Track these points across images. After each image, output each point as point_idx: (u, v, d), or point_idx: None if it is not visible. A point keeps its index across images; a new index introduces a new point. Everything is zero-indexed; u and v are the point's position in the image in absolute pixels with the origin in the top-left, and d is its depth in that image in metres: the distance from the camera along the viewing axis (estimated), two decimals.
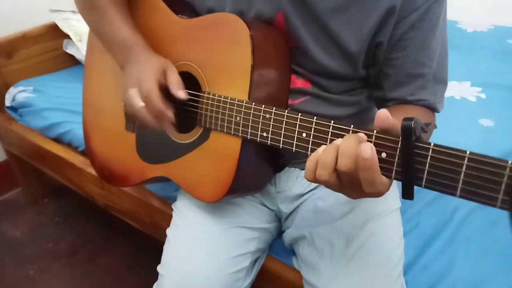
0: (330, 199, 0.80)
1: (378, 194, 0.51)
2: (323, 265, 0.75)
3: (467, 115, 1.28)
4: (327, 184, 0.52)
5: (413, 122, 0.45)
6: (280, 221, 0.90)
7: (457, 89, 1.42)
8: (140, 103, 0.69)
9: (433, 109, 0.75)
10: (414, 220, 0.93)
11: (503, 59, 1.60)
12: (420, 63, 0.70)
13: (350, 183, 0.51)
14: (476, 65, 1.57)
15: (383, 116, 0.49)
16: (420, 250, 0.86)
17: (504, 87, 1.42)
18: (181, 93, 0.70)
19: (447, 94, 1.38)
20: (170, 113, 0.70)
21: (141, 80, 0.70)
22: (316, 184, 0.81)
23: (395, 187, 0.84)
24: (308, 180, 0.53)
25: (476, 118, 1.27)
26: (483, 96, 1.39)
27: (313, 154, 0.52)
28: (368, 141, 0.50)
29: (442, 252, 0.85)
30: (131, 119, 0.86)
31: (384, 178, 0.50)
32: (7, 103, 1.55)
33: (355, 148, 0.48)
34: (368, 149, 0.47)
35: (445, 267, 0.82)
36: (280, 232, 0.91)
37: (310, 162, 0.52)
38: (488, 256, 0.84)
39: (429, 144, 0.46)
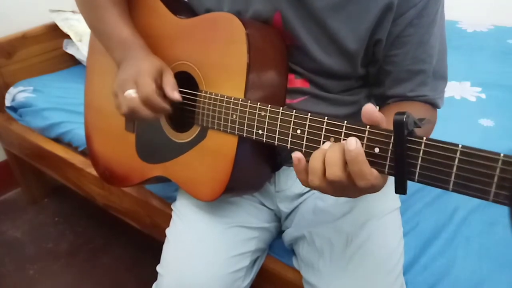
0: (330, 198, 0.79)
1: (373, 188, 0.50)
2: (323, 265, 0.75)
3: (467, 115, 1.28)
4: (320, 189, 0.53)
5: (405, 117, 0.46)
6: (280, 221, 0.90)
7: (457, 89, 1.42)
8: (134, 93, 0.69)
9: (433, 105, 0.75)
10: (414, 220, 0.93)
11: (503, 59, 1.60)
12: (419, 59, 0.70)
13: (341, 188, 0.51)
14: (476, 65, 1.57)
15: (369, 110, 0.49)
16: (420, 250, 0.86)
17: (504, 87, 1.42)
18: (176, 95, 0.70)
19: (447, 94, 1.38)
20: (167, 106, 0.70)
21: (139, 74, 0.70)
22: None
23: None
24: (302, 184, 0.55)
25: (476, 118, 1.27)
26: (483, 96, 1.39)
27: (296, 167, 0.54)
28: (361, 136, 0.51)
29: (442, 252, 0.85)
30: (130, 119, 0.86)
31: (374, 170, 0.50)
32: (7, 103, 1.55)
33: (340, 155, 0.49)
34: (353, 142, 0.48)
35: (445, 267, 0.82)
36: (280, 232, 0.91)
37: (298, 173, 0.54)
38: (488, 256, 0.84)
39: (421, 138, 0.46)
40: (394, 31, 0.68)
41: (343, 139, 0.53)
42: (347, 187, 0.51)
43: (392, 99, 0.75)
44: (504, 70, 1.53)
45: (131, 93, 0.69)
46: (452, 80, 1.44)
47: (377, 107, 0.82)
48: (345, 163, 0.49)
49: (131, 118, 0.75)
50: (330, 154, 0.50)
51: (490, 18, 1.89)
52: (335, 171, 0.49)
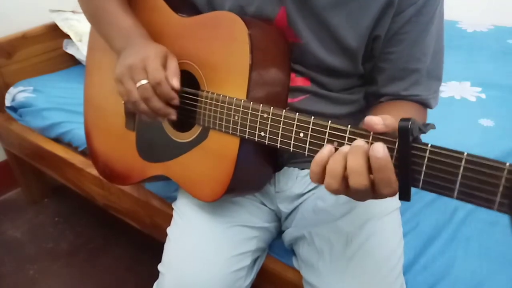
0: (330, 199, 0.80)
1: (394, 193, 0.48)
2: (323, 265, 0.75)
3: (467, 115, 1.28)
4: (337, 192, 0.50)
5: (410, 123, 0.45)
6: (280, 221, 0.90)
7: (457, 89, 1.42)
8: (145, 82, 0.68)
9: (425, 105, 0.75)
10: (414, 220, 0.93)
11: (503, 59, 1.60)
12: (414, 58, 0.70)
13: (363, 195, 0.50)
14: (476, 65, 1.57)
15: (370, 123, 0.48)
16: (420, 250, 0.86)
17: (504, 87, 1.42)
18: (175, 81, 0.69)
19: (447, 94, 1.38)
20: (175, 95, 0.69)
21: (147, 59, 0.68)
22: (316, 184, 0.81)
23: None
24: (314, 182, 0.52)
25: (476, 118, 1.27)
26: (483, 96, 1.39)
27: (318, 156, 0.51)
28: (364, 141, 0.49)
29: (442, 252, 0.85)
30: (131, 116, 0.86)
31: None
32: (7, 103, 1.55)
33: (364, 162, 0.47)
34: (380, 149, 0.46)
35: (445, 267, 0.82)
36: (280, 232, 0.91)
37: (315, 164, 0.51)
38: (488, 256, 0.84)
39: (426, 145, 0.46)
40: (393, 28, 0.68)
41: (347, 143, 0.52)
42: (369, 193, 0.49)
43: (385, 97, 0.75)
44: (504, 70, 1.53)
45: (144, 82, 0.68)
46: (452, 80, 1.44)
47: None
48: (369, 170, 0.47)
49: (136, 110, 0.72)
50: (353, 161, 0.47)
51: (490, 18, 1.89)
52: (361, 180, 0.47)
